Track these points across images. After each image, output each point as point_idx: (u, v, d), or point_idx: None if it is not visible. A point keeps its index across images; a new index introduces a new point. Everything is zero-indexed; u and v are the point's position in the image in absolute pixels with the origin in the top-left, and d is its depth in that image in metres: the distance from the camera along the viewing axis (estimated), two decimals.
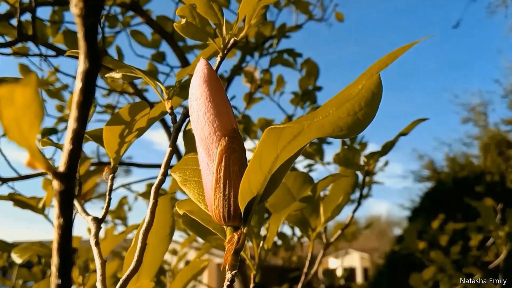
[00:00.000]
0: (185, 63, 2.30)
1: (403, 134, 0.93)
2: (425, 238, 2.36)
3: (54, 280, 0.23)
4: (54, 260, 0.23)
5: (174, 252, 2.46)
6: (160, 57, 2.32)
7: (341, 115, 0.32)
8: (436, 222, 2.35)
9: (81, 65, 0.20)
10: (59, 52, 1.81)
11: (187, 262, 2.24)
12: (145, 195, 1.38)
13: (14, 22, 1.70)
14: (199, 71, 0.39)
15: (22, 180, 1.77)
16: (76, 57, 1.85)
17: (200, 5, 0.50)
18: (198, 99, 0.38)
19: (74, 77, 2.14)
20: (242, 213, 0.37)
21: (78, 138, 0.20)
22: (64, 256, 0.23)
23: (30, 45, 2.03)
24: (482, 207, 1.75)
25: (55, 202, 0.22)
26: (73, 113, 0.20)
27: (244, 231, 0.37)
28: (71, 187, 0.21)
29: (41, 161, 0.20)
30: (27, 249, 1.14)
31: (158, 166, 2.37)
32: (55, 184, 0.21)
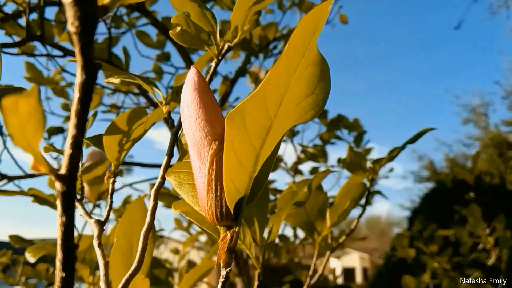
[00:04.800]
0: (189, 63, 2.33)
1: (410, 142, 0.94)
2: (417, 244, 2.37)
3: (58, 273, 0.25)
4: (58, 255, 0.25)
5: (176, 251, 2.49)
6: (165, 58, 2.35)
7: (301, 98, 0.33)
8: (428, 230, 2.37)
9: (78, 77, 0.22)
10: (66, 53, 1.83)
11: (189, 262, 2.26)
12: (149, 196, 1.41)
13: (21, 21, 1.73)
14: (190, 79, 0.41)
15: (28, 178, 1.80)
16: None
17: (194, 14, 0.52)
18: (189, 105, 0.40)
19: None
20: (233, 212, 0.39)
21: (78, 143, 0.22)
22: (67, 251, 0.25)
23: (36, 43, 2.06)
24: (470, 214, 1.77)
25: (57, 202, 0.24)
26: (72, 121, 0.22)
27: (236, 230, 0.39)
28: (72, 188, 0.23)
29: (44, 165, 0.22)
30: (41, 249, 1.17)
31: (160, 166, 2.40)
32: (57, 185, 0.23)
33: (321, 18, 0.30)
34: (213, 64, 0.55)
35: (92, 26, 0.20)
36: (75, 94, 0.21)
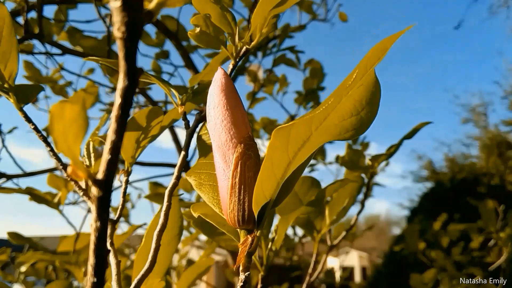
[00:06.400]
0: (189, 62, 2.32)
1: (407, 138, 0.94)
2: (426, 238, 2.37)
3: (90, 278, 0.25)
4: (91, 260, 0.25)
5: (176, 250, 2.48)
6: (164, 56, 2.34)
7: (345, 117, 0.33)
8: (438, 223, 2.36)
9: (120, 82, 0.21)
10: (65, 51, 1.82)
11: (189, 260, 2.26)
12: (151, 196, 1.40)
13: (19, 20, 1.71)
14: (217, 80, 0.40)
15: (27, 177, 1.79)
16: (78, 55, 1.86)
17: (214, 15, 0.52)
18: (215, 107, 0.39)
19: (78, 75, 2.16)
20: (256, 217, 0.39)
21: (116, 149, 0.22)
22: (100, 256, 0.25)
23: (35, 42, 2.05)
24: (483, 208, 1.75)
25: (92, 207, 0.24)
26: (112, 126, 0.22)
27: (257, 235, 0.39)
28: (109, 193, 0.23)
29: (83, 170, 0.22)
30: (30, 258, 1.19)
31: (160, 165, 2.39)
32: (94, 190, 0.23)
33: (386, 48, 0.33)
34: (230, 66, 0.55)
35: (138, 32, 0.20)
36: (116, 100, 0.21)
